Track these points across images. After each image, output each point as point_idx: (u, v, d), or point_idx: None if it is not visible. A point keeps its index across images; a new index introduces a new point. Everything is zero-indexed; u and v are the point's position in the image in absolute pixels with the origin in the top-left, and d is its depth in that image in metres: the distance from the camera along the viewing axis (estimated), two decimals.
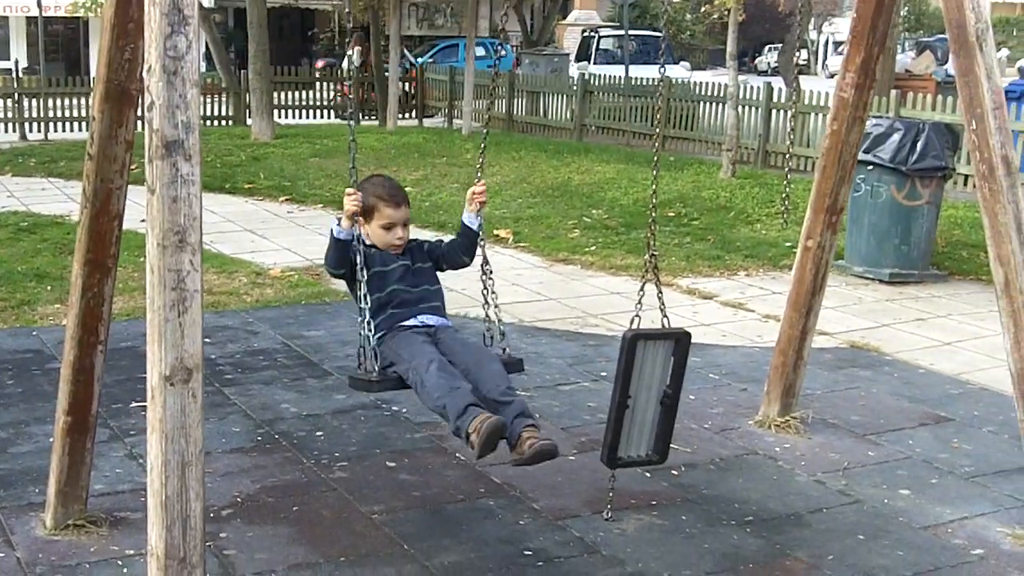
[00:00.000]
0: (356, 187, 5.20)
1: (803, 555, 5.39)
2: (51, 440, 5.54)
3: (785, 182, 7.33)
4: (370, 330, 5.12)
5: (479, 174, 5.59)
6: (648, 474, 6.17)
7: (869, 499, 6.07)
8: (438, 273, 5.61)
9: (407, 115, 28.22)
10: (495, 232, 13.18)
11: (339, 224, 5.15)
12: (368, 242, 5.31)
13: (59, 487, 5.37)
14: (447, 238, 5.76)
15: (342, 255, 5.18)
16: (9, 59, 30.08)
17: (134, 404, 7.05)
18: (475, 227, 5.53)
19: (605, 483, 5.60)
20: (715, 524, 5.69)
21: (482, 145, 5.66)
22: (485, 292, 5.47)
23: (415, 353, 5.10)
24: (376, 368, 5.16)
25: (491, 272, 5.50)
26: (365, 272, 5.12)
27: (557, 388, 7.73)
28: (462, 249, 5.58)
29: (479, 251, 5.60)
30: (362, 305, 5.12)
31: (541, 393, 7.58)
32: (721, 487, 6.16)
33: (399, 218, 5.39)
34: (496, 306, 5.49)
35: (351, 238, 5.14)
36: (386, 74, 26.86)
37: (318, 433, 6.78)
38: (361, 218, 5.24)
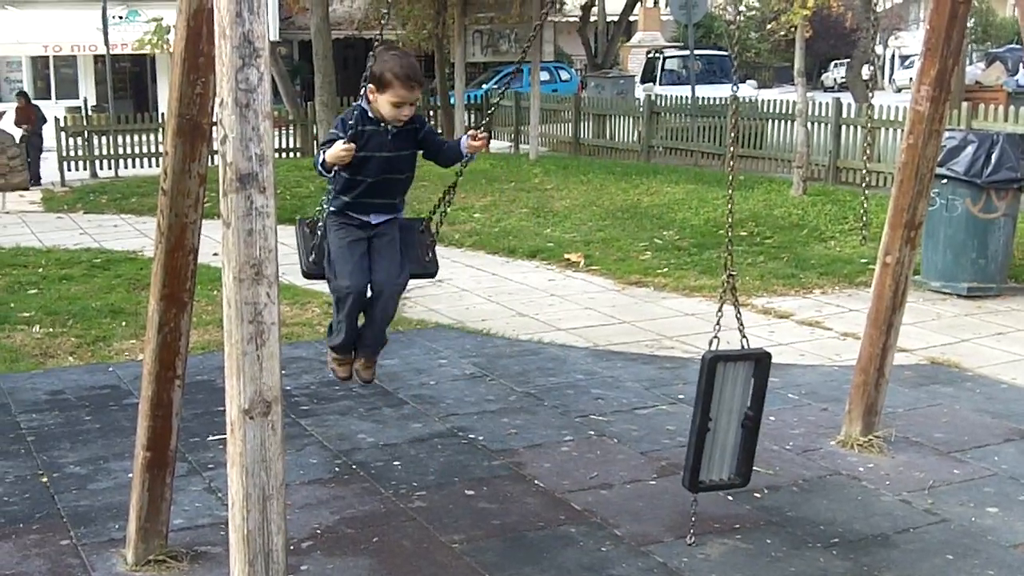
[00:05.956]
0: (376, 56, 5.35)
1: None
2: (130, 476, 5.56)
3: (862, 198, 7.22)
4: (329, 206, 5.49)
5: (482, 130, 5.70)
6: (730, 497, 6.09)
7: (956, 518, 5.95)
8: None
9: None
10: (566, 256, 13.16)
11: (325, 162, 5.27)
12: (370, 115, 5.41)
13: (139, 523, 5.37)
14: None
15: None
16: (78, 97, 30.41)
17: (211, 438, 7.07)
18: (465, 154, 5.60)
19: (687, 507, 5.52)
20: (800, 547, 5.60)
21: (489, 112, 6.19)
22: (441, 199, 5.71)
23: (344, 272, 5.46)
24: (313, 258, 5.55)
25: (454, 191, 5.74)
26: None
27: (634, 412, 7.65)
28: (444, 158, 5.70)
29: (455, 175, 5.76)
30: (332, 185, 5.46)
31: (619, 417, 7.51)
32: (805, 509, 6.07)
33: (410, 99, 5.47)
34: (441, 220, 5.81)
35: (332, 173, 5.34)
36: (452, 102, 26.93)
37: (395, 463, 6.76)
38: (371, 84, 5.36)
